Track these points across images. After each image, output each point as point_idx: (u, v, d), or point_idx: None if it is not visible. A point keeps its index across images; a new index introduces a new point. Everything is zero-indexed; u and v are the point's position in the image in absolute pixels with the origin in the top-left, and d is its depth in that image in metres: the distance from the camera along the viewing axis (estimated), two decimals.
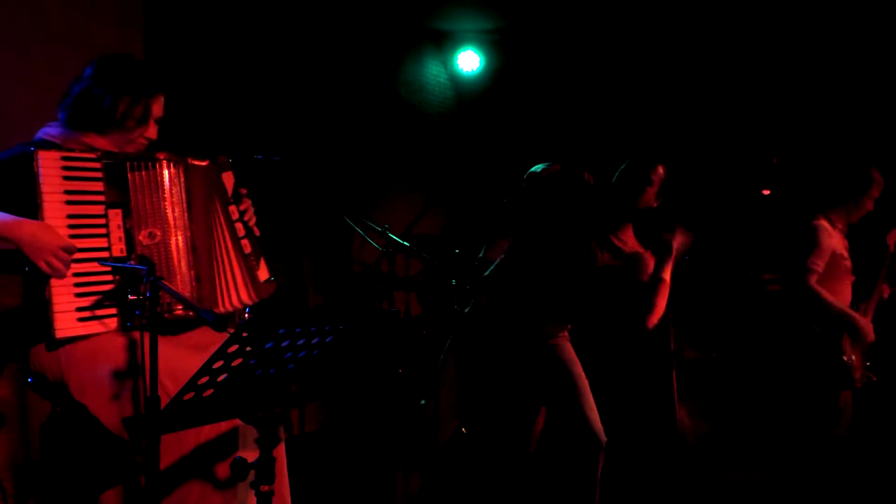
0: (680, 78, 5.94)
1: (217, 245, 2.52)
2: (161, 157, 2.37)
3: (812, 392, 3.81)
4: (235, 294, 2.54)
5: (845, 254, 3.83)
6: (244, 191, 2.63)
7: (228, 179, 2.60)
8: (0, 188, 2.21)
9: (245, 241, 2.61)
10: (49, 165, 2.18)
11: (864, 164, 3.85)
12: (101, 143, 2.37)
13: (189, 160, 2.43)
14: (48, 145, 2.28)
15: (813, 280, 3.72)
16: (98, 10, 3.80)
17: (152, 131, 2.47)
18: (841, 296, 3.79)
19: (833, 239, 3.79)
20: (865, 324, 3.76)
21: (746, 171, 5.93)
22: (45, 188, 2.17)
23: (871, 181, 3.78)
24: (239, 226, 2.61)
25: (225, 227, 2.55)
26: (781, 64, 5.62)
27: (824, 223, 3.77)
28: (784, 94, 5.67)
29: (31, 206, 2.17)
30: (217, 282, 2.49)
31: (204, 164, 2.50)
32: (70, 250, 2.16)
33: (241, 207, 2.61)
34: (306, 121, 5.23)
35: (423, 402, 4.43)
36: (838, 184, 3.83)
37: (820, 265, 3.73)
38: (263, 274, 2.64)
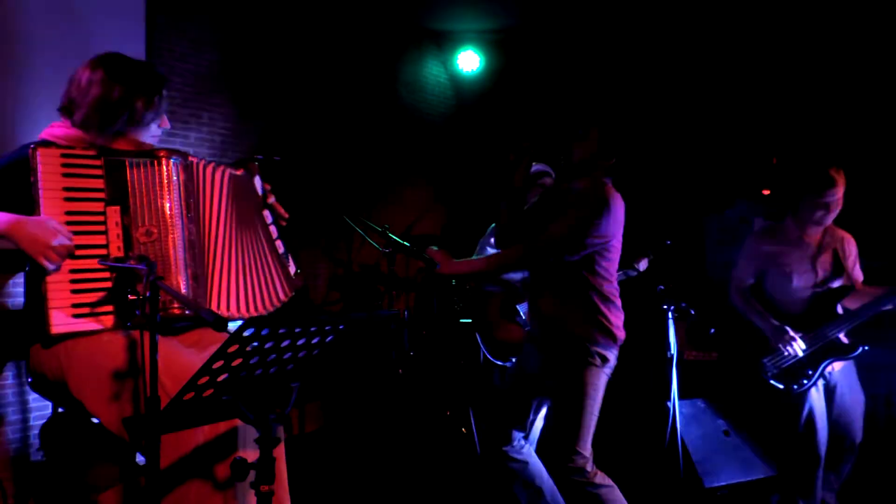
0: (680, 77, 5.94)
1: (257, 249, 2.61)
2: (161, 154, 2.37)
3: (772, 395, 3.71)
4: (275, 293, 2.65)
5: (793, 262, 3.65)
6: (268, 186, 2.73)
7: (258, 184, 2.71)
8: (4, 190, 2.21)
9: (279, 242, 2.73)
10: (48, 162, 2.19)
11: (812, 162, 3.68)
12: (120, 144, 2.38)
13: (189, 157, 2.44)
14: (49, 144, 2.28)
15: (734, 285, 3.77)
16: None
17: (166, 121, 2.51)
18: (779, 301, 3.68)
19: (775, 243, 3.70)
20: (774, 330, 3.60)
21: (746, 171, 5.93)
22: (43, 184, 2.18)
23: (821, 179, 3.54)
24: (272, 228, 2.72)
25: (262, 232, 2.67)
26: (781, 64, 5.62)
27: (769, 228, 3.75)
28: (784, 94, 5.67)
29: (32, 204, 2.18)
30: (259, 283, 2.59)
31: (239, 172, 2.63)
32: (69, 247, 2.16)
33: (271, 203, 2.73)
34: (306, 121, 5.23)
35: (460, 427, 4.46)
36: (795, 185, 3.68)
37: (747, 271, 3.74)
38: (292, 268, 2.76)
